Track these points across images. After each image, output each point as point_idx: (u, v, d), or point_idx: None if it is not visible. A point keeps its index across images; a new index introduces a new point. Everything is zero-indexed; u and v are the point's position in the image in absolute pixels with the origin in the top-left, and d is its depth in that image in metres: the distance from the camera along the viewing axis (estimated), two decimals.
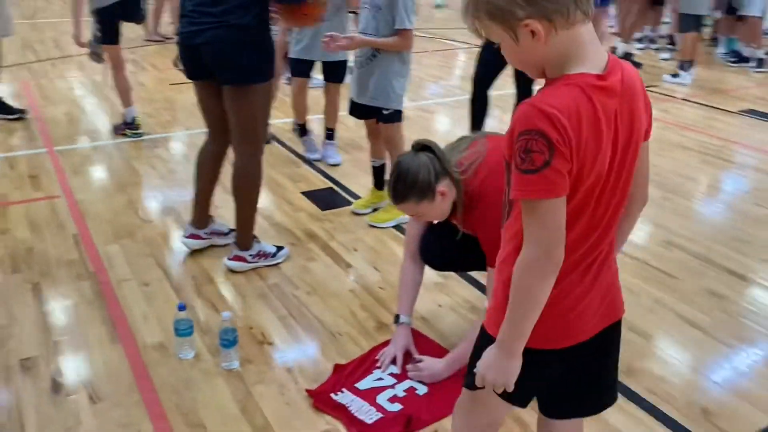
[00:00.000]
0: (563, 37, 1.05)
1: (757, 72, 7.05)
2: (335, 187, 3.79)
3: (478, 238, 2.03)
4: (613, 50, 7.32)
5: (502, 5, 1.04)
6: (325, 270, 2.87)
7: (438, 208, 2.00)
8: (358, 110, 3.13)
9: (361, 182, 3.83)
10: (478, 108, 4.12)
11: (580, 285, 1.17)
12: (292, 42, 3.95)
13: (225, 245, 3.00)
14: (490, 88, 4.07)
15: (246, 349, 2.30)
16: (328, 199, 3.64)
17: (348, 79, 4.08)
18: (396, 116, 3.02)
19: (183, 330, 2.23)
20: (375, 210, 3.39)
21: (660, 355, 2.35)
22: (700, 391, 2.16)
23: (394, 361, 2.21)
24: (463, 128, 4.84)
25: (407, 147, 2.15)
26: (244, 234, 2.83)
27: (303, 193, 3.69)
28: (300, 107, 4.17)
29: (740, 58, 7.29)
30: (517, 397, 1.25)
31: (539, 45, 1.06)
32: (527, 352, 1.16)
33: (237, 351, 2.22)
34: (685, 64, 6.45)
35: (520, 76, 4.00)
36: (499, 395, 1.23)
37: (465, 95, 5.81)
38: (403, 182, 1.95)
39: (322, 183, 3.85)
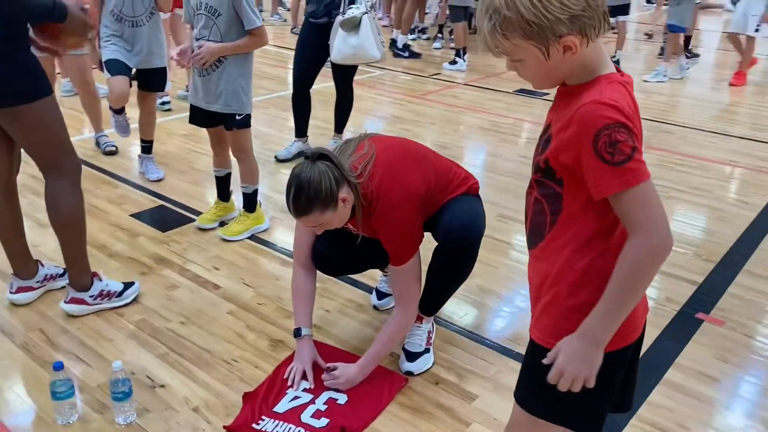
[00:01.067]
0: (591, 47, 1.10)
1: None
2: (167, 204, 3.52)
3: (379, 239, 2.06)
4: (393, 42, 7.74)
5: (544, 24, 1.05)
6: (192, 296, 2.67)
7: (340, 216, 1.98)
8: (202, 118, 2.94)
9: (193, 195, 3.61)
10: (301, 107, 4.12)
11: None
12: (102, 45, 3.47)
13: (65, 287, 2.64)
14: (311, 87, 4.09)
15: (137, 398, 2.06)
16: (164, 218, 3.37)
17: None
18: (248, 121, 2.90)
19: (62, 392, 1.93)
20: (222, 224, 3.22)
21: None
22: None
23: (304, 377, 2.15)
24: (280, 126, 4.80)
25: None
26: (76, 272, 2.49)
27: (132, 215, 3.37)
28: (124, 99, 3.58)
29: None
30: (598, 410, 1.26)
31: (570, 59, 1.09)
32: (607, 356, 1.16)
33: (132, 402, 1.99)
34: (460, 52, 7.05)
35: (338, 73, 4.07)
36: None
37: (271, 94, 5.77)
38: (306, 195, 1.89)
39: (151, 202, 3.55)
